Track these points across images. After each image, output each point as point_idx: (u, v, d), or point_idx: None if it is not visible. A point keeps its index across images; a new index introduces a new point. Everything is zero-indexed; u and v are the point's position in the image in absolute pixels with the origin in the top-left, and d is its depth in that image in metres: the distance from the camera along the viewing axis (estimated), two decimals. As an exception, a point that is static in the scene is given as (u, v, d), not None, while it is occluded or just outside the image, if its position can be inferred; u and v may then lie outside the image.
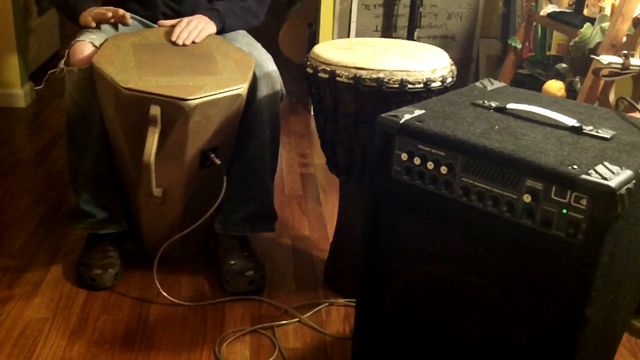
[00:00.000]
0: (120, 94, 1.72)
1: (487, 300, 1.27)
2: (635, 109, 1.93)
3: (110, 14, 1.96)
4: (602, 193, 1.08)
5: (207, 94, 1.73)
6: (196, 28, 1.95)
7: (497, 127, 1.31)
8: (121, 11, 1.97)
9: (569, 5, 2.93)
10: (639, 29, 2.25)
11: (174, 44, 1.93)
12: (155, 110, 1.70)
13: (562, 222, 1.13)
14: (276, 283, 2.02)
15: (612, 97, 2.33)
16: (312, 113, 3.38)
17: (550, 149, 1.21)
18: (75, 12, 1.99)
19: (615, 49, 2.29)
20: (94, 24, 1.96)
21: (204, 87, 1.74)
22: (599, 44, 2.43)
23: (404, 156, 1.33)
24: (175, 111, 1.71)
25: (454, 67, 1.79)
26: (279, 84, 1.97)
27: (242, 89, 1.81)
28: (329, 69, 1.70)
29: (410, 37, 3.45)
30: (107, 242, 1.99)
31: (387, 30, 3.53)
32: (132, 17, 2.05)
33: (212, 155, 1.85)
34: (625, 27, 2.32)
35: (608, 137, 1.28)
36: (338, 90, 1.72)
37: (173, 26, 1.97)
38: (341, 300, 1.95)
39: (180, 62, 1.86)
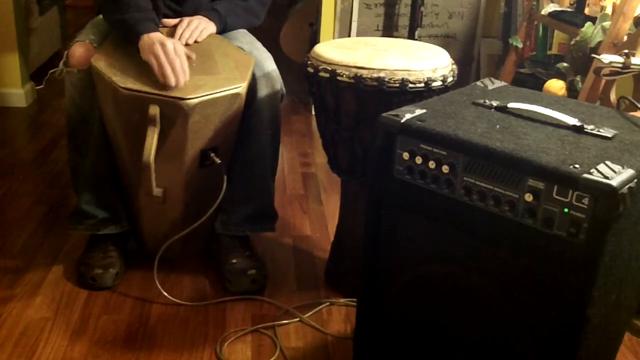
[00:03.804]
0: (118, 93, 1.72)
1: (489, 299, 1.27)
2: (636, 108, 1.93)
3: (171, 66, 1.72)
4: (603, 192, 1.08)
5: (206, 93, 1.73)
6: (197, 28, 1.94)
7: (498, 126, 1.31)
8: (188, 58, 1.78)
9: (570, 4, 2.93)
10: (640, 28, 2.25)
11: None
12: (154, 110, 1.70)
13: (564, 222, 1.13)
14: (277, 283, 2.02)
15: (613, 96, 2.32)
16: (313, 113, 3.38)
17: (551, 148, 1.20)
18: (134, 34, 1.79)
19: (616, 48, 2.29)
20: (155, 65, 1.73)
21: (202, 86, 1.74)
22: (600, 43, 2.42)
23: (406, 155, 1.33)
24: (174, 110, 1.71)
25: (455, 66, 1.79)
26: (279, 83, 1.97)
27: (241, 88, 1.81)
28: (330, 69, 1.70)
29: (411, 36, 3.45)
30: (108, 242, 1.99)
31: (388, 30, 3.53)
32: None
33: (212, 155, 1.85)
34: (627, 26, 2.31)
35: (609, 136, 1.28)
36: (339, 89, 1.72)
37: (173, 27, 1.97)
38: (342, 300, 1.95)
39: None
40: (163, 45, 1.74)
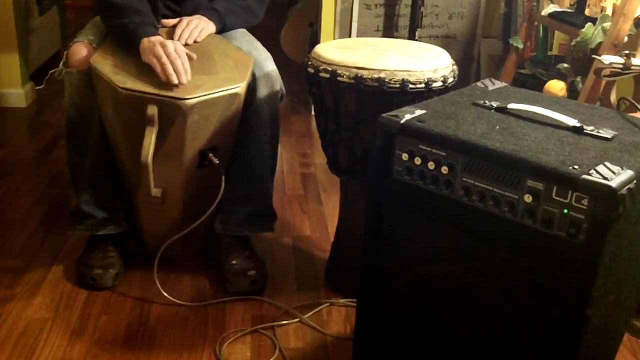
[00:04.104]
0: (117, 93, 1.72)
1: (489, 300, 1.27)
2: (636, 109, 1.93)
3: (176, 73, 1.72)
4: (603, 193, 1.08)
5: (205, 93, 1.73)
6: (197, 27, 1.94)
7: (498, 127, 1.31)
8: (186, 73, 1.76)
9: (571, 5, 2.93)
10: (641, 28, 2.25)
11: None
12: (152, 110, 1.70)
13: (564, 222, 1.13)
14: (277, 283, 2.02)
15: (613, 97, 2.32)
16: (313, 113, 3.38)
17: (551, 149, 1.20)
18: (134, 38, 1.80)
19: (616, 49, 2.29)
20: (157, 66, 1.73)
21: (201, 86, 1.74)
22: (600, 44, 2.42)
23: (405, 156, 1.33)
24: (172, 110, 1.71)
25: (455, 66, 1.79)
26: (278, 83, 1.97)
27: (240, 88, 1.81)
28: (330, 69, 1.70)
29: (411, 36, 3.45)
30: (107, 242, 1.99)
31: (388, 30, 3.53)
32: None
33: (210, 155, 1.85)
34: (627, 27, 2.31)
35: (609, 137, 1.28)
36: (339, 90, 1.72)
37: (173, 27, 1.97)
38: (342, 300, 1.95)
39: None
40: (164, 46, 1.75)
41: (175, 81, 1.72)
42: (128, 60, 1.81)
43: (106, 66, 1.78)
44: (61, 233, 2.20)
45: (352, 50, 1.77)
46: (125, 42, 1.85)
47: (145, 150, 1.71)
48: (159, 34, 1.82)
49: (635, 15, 2.31)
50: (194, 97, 1.71)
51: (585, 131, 1.29)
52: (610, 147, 1.24)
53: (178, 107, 1.70)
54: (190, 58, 1.78)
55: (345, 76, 1.67)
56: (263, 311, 1.89)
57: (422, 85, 1.66)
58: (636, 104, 1.81)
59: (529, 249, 1.19)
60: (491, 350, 1.30)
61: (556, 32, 3.09)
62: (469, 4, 3.58)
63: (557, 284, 1.16)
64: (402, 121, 1.32)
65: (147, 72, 1.76)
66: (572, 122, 1.31)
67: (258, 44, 2.05)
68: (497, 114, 1.39)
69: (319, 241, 2.28)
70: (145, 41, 1.78)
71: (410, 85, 1.65)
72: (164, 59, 1.73)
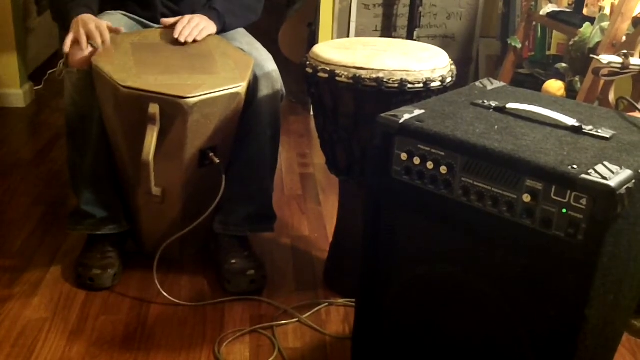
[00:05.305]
0: (119, 92, 1.72)
1: (487, 300, 1.27)
2: (635, 109, 1.93)
3: (99, 39, 1.85)
4: (601, 193, 1.08)
5: (206, 92, 1.73)
6: (198, 26, 1.95)
7: (496, 127, 1.31)
8: (107, 34, 1.87)
9: (569, 4, 2.93)
10: (639, 28, 2.25)
11: (175, 42, 1.93)
12: (154, 109, 1.70)
13: (562, 222, 1.13)
14: (276, 283, 2.02)
15: (612, 97, 2.33)
16: (311, 113, 3.38)
17: (550, 148, 1.20)
18: (66, 17, 1.91)
19: (614, 49, 2.29)
20: (67, 47, 1.85)
21: (202, 85, 1.74)
22: (598, 43, 2.43)
23: (404, 156, 1.33)
24: (174, 109, 1.71)
25: (453, 66, 1.79)
26: (279, 83, 1.97)
27: (241, 87, 1.81)
28: (328, 69, 1.70)
29: (409, 36, 3.45)
30: (106, 242, 1.99)
31: (387, 30, 3.53)
32: (130, 18, 2.05)
33: (211, 154, 1.85)
34: (625, 26, 2.32)
35: (608, 136, 1.28)
36: (338, 90, 1.72)
37: (173, 26, 1.97)
38: (341, 300, 1.95)
39: (179, 61, 1.86)
40: (84, 21, 1.86)
41: (84, 43, 1.82)
42: (129, 60, 1.81)
43: (107, 65, 1.78)
44: (60, 233, 2.20)
45: (351, 51, 1.77)
46: (65, 23, 1.93)
47: (147, 149, 1.71)
48: (91, 15, 1.91)
49: (633, 15, 2.31)
50: (195, 96, 1.71)
51: (583, 131, 1.29)
52: (608, 147, 1.24)
53: (179, 105, 1.70)
54: (117, 31, 1.89)
55: (343, 76, 1.67)
56: (262, 311, 1.89)
57: (421, 85, 1.67)
58: (635, 104, 1.81)
59: (527, 249, 1.19)
60: (490, 350, 1.31)
61: (554, 32, 3.09)
62: (467, 4, 3.58)
63: (555, 284, 1.16)
64: (400, 121, 1.32)
65: (148, 71, 1.76)
66: (571, 121, 1.31)
67: (258, 45, 2.06)
68: (495, 114, 1.39)
69: (318, 241, 2.28)
70: (73, 21, 1.87)
71: (409, 85, 1.65)
72: (81, 30, 1.84)
